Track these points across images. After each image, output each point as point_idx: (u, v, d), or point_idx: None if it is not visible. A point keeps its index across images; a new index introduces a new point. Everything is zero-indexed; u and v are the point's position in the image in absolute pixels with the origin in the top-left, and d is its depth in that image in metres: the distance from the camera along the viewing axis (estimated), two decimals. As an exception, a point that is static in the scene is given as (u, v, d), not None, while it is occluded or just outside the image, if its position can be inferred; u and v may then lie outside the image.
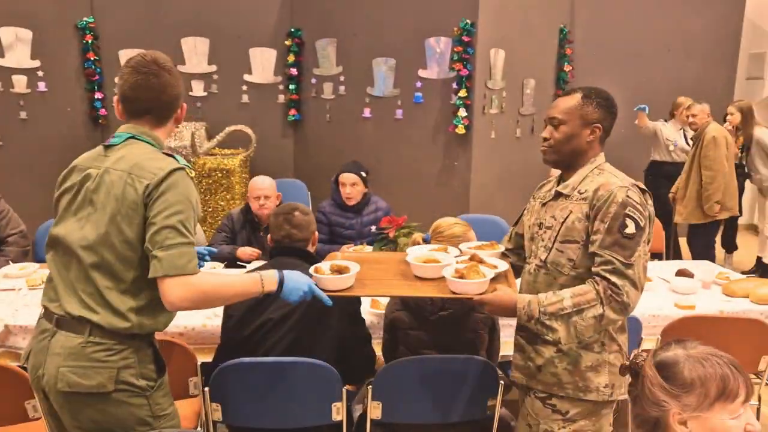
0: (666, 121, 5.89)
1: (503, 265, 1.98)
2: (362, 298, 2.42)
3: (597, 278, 1.73)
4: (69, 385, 1.60)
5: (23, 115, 5.51)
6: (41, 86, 5.53)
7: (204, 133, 5.55)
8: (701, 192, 4.52)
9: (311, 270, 1.93)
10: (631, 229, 1.71)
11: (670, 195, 5.02)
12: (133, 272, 1.62)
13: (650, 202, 1.81)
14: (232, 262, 3.41)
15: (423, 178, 5.54)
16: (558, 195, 1.90)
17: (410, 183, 5.49)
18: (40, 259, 3.43)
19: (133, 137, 1.70)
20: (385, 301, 2.78)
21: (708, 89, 6.29)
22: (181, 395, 2.36)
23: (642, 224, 1.73)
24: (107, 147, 1.71)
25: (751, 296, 3.01)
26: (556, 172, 2.00)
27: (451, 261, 1.98)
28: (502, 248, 2.17)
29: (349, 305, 2.21)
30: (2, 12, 5.30)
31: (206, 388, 2.12)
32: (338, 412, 2.18)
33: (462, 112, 5.17)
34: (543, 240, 1.90)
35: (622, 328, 1.91)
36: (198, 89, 6.00)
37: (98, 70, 5.73)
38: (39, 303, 2.72)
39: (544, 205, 1.94)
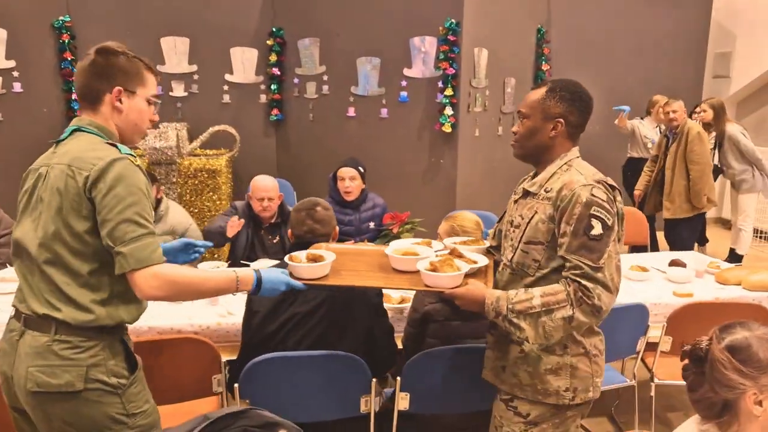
0: (642, 118, 6.07)
1: (483, 261, 1.97)
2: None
3: (568, 280, 1.66)
4: (38, 384, 1.57)
5: (-1, 116, 5.36)
6: (17, 87, 5.39)
7: (185, 134, 5.47)
8: (688, 187, 4.64)
9: (286, 258, 1.91)
10: (597, 229, 1.64)
11: (636, 192, 5.16)
12: (89, 265, 1.59)
13: (619, 198, 1.75)
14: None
15: (409, 176, 5.58)
16: (527, 193, 1.84)
17: (396, 181, 5.52)
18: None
19: (78, 129, 1.68)
20: (395, 295, 2.80)
21: (678, 87, 6.49)
22: (203, 393, 2.35)
23: (609, 223, 1.66)
24: (57, 143, 1.69)
25: (743, 283, 3.14)
26: None
27: (429, 254, 1.97)
28: (487, 244, 2.15)
29: (373, 298, 2.23)
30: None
31: (236, 384, 2.10)
32: (366, 404, 2.20)
33: (448, 111, 5.23)
34: (511, 239, 1.84)
35: (591, 331, 1.83)
36: (178, 89, 5.92)
37: (75, 70, 5.59)
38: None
39: (516, 202, 1.90)
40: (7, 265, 3.22)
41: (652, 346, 2.86)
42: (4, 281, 2.98)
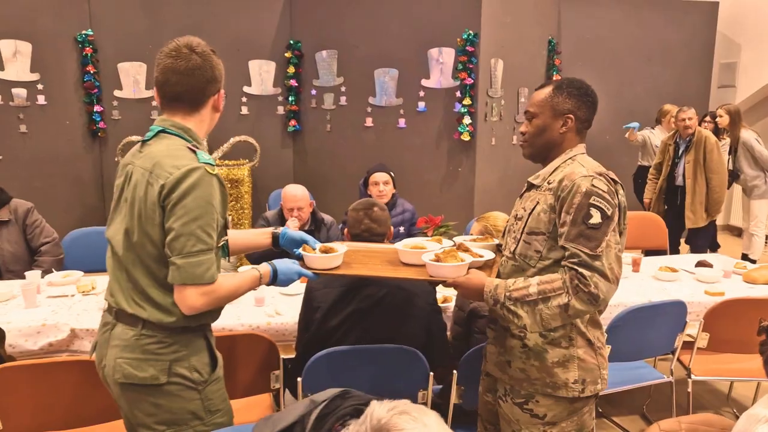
0: (653, 128, 6.18)
1: (489, 255, 2.02)
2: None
3: (565, 268, 1.68)
4: (125, 376, 1.64)
5: (23, 128, 5.42)
6: (41, 99, 5.46)
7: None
8: (707, 195, 4.73)
9: (300, 250, 1.97)
10: (596, 219, 1.65)
11: (646, 200, 5.23)
12: (167, 270, 1.61)
13: (622, 192, 1.77)
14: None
15: (427, 184, 5.66)
16: (530, 186, 1.88)
17: (414, 189, 5.60)
18: (67, 268, 3.40)
19: (163, 131, 1.68)
20: (438, 295, 2.87)
21: (685, 97, 6.62)
22: (261, 389, 2.40)
23: (609, 213, 1.67)
24: (143, 143, 1.71)
25: (773, 282, 3.22)
26: None
27: (435, 248, 2.03)
28: (496, 241, 2.20)
29: (428, 295, 2.30)
30: (2, 25, 5.22)
31: (299, 378, 2.16)
32: (423, 398, 2.26)
33: (466, 120, 5.33)
34: (514, 232, 1.87)
35: (594, 323, 1.84)
36: (198, 101, 5.99)
37: (97, 83, 5.68)
38: (98, 308, 2.75)
39: (521, 197, 1.93)
40: (52, 270, 3.27)
41: (684, 345, 2.93)
42: (52, 285, 3.03)
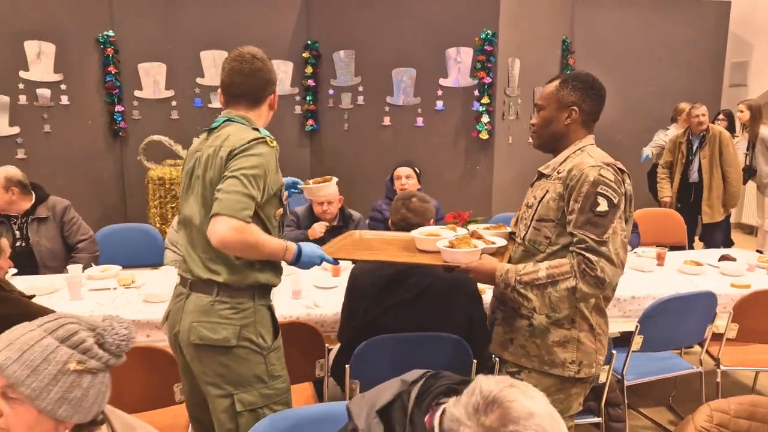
0: (668, 127, 6.23)
1: (501, 242, 2.10)
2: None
3: (573, 253, 1.76)
4: (200, 338, 1.81)
5: (47, 128, 5.49)
6: (64, 99, 5.53)
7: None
8: (724, 190, 4.77)
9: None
10: (603, 206, 1.72)
11: (666, 200, 5.23)
12: None
13: (628, 181, 1.83)
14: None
15: (445, 182, 5.73)
16: (541, 175, 1.95)
17: (432, 188, 5.64)
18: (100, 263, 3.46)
19: (228, 120, 1.88)
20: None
21: (696, 95, 6.67)
22: (303, 378, 2.46)
23: (616, 201, 1.74)
24: (209, 131, 1.91)
25: (797, 274, 3.28)
26: None
27: (449, 235, 2.11)
28: (508, 229, 2.26)
29: (470, 284, 2.36)
30: (26, 26, 5.29)
31: (347, 365, 2.22)
32: (466, 385, 2.32)
33: (485, 118, 5.39)
34: (525, 219, 1.94)
35: (599, 310, 1.91)
36: (217, 101, 6.07)
37: (118, 83, 5.76)
38: (142, 300, 2.82)
39: (532, 185, 2.00)
40: (92, 264, 3.33)
41: (711, 337, 2.99)
42: (92, 279, 3.10)
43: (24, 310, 2.12)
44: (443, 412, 1.18)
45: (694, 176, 5.05)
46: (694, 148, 4.96)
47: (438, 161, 5.73)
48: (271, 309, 1.95)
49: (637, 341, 2.73)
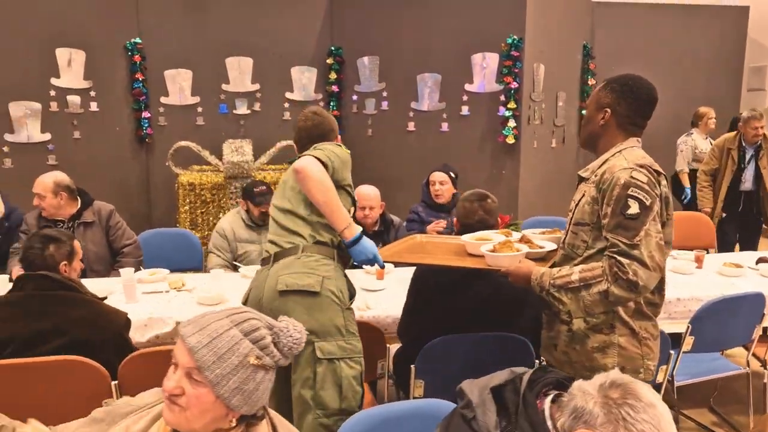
0: (690, 132, 6.23)
1: (551, 246, 2.14)
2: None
3: (606, 257, 1.77)
4: (286, 285, 2.02)
5: (76, 134, 5.54)
6: (93, 106, 5.58)
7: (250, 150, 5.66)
8: None
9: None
10: (634, 209, 1.72)
11: (707, 210, 5.14)
12: (305, 210, 2.13)
13: (664, 183, 1.83)
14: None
15: (470, 187, 5.72)
16: (581, 179, 1.98)
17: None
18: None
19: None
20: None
21: (715, 100, 6.71)
22: (367, 377, 2.49)
23: (648, 203, 1.73)
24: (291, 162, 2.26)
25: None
26: None
27: (498, 239, 2.18)
28: (561, 234, 2.26)
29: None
30: (57, 33, 5.35)
31: (412, 365, 2.25)
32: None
33: (511, 123, 5.44)
34: (567, 223, 1.98)
35: (641, 314, 1.90)
36: (242, 107, 6.12)
37: (145, 90, 5.80)
38: (195, 302, 2.86)
39: (576, 189, 2.03)
40: (140, 267, 3.37)
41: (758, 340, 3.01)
42: (142, 282, 3.13)
43: (98, 311, 2.16)
44: (554, 398, 1.24)
45: (746, 185, 4.96)
46: (748, 156, 4.93)
47: (463, 166, 5.74)
48: (346, 275, 2.16)
49: (688, 342, 2.76)
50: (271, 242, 2.20)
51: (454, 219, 2.55)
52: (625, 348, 1.88)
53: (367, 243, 2.08)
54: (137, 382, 2.12)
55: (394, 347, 2.57)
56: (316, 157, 2.05)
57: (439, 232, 3.72)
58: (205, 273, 3.63)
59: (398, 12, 5.79)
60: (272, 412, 1.34)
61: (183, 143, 5.35)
